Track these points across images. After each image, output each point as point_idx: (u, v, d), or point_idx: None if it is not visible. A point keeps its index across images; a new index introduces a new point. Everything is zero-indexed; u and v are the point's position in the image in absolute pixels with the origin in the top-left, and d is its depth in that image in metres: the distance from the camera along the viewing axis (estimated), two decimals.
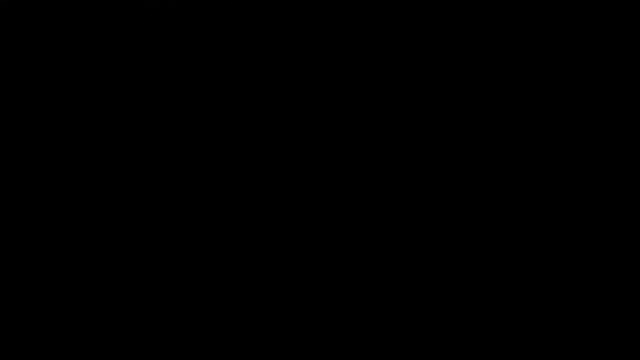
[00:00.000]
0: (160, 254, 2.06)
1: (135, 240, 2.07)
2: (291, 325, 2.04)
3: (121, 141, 2.09)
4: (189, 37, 2.11)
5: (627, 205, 2.04)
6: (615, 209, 2.04)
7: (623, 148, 2.05)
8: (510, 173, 2.06)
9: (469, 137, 2.07)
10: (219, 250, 2.06)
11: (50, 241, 2.06)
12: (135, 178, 2.08)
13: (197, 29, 2.11)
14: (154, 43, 2.10)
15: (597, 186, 2.05)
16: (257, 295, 2.05)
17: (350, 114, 2.09)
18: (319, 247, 2.06)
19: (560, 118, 2.07)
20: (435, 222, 2.06)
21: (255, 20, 2.11)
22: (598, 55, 2.08)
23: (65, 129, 2.09)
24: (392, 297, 2.04)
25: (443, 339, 2.02)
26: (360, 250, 2.06)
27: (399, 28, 2.10)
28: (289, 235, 2.06)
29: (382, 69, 2.10)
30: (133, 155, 2.08)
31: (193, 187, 2.08)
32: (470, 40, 2.09)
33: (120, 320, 2.04)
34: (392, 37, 2.10)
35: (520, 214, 2.05)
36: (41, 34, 2.11)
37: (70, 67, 2.10)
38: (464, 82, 2.09)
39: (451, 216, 2.06)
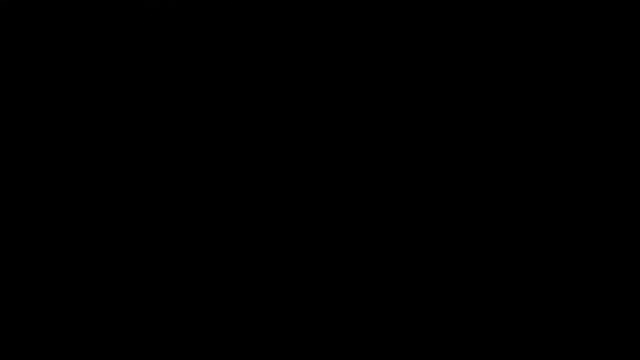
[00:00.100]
0: (160, 254, 2.06)
1: (135, 240, 2.07)
2: (291, 325, 2.04)
3: (121, 141, 2.09)
4: (189, 37, 2.11)
5: (627, 205, 2.04)
6: (615, 209, 2.04)
7: (623, 148, 2.05)
8: (510, 173, 2.06)
9: (469, 137, 2.07)
10: (219, 250, 2.06)
11: (50, 241, 2.06)
12: (135, 178, 2.08)
13: (197, 29, 2.11)
14: (154, 43, 2.10)
15: (597, 186, 2.05)
16: (257, 295, 2.05)
17: (350, 114, 2.09)
18: (319, 247, 2.06)
19: (560, 118, 2.07)
20: (435, 222, 2.06)
21: (255, 20, 2.11)
22: (598, 55, 2.08)
23: (66, 128, 2.09)
24: (392, 297, 2.04)
25: (443, 339, 2.02)
26: (360, 250, 2.06)
27: (399, 28, 2.10)
28: (289, 235, 2.06)
29: (382, 69, 2.10)
30: (133, 155, 2.08)
31: (193, 187, 2.08)
32: (470, 40, 2.09)
33: (120, 320, 2.04)
34: (392, 37, 2.10)
35: (520, 213, 2.05)
36: (41, 34, 2.11)
37: (70, 67, 2.10)
38: (464, 82, 2.09)
39: (451, 216, 2.06)
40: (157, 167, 2.08)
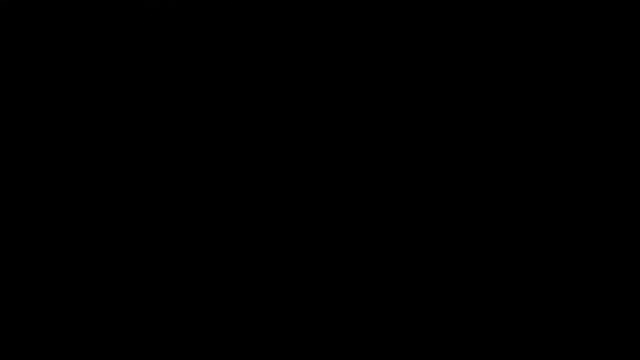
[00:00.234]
0: (160, 254, 2.06)
1: (135, 240, 2.07)
2: (291, 325, 2.04)
3: (121, 141, 2.09)
4: (189, 37, 2.11)
5: (627, 205, 2.04)
6: (615, 209, 2.04)
7: (623, 148, 2.05)
8: (510, 173, 2.06)
9: (469, 137, 2.07)
10: (219, 250, 2.06)
11: (50, 241, 2.06)
12: (135, 178, 2.08)
13: (197, 29, 2.11)
14: (154, 43, 2.10)
15: (597, 186, 2.05)
16: (257, 295, 2.05)
17: (350, 114, 2.09)
18: (318, 247, 2.06)
19: (560, 118, 2.07)
20: (435, 222, 2.06)
21: (255, 20, 2.11)
22: (598, 55, 2.08)
23: (66, 128, 2.09)
24: (392, 297, 2.04)
25: (443, 339, 2.02)
26: (360, 250, 2.06)
27: (399, 28, 2.10)
28: (289, 235, 2.06)
29: (382, 69, 2.10)
30: (133, 155, 2.08)
31: (193, 186, 2.08)
32: (470, 40, 2.09)
33: (120, 320, 2.04)
34: (392, 37, 2.10)
35: (520, 213, 2.05)
36: (41, 34, 2.11)
37: (70, 67, 2.10)
38: (464, 82, 2.09)
39: (451, 216, 2.06)
40: (157, 166, 2.08)
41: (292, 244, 2.06)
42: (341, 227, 2.06)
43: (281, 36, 2.11)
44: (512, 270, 2.03)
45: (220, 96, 2.10)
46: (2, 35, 2.10)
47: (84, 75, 2.10)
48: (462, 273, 2.04)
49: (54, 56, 2.10)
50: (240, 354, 2.03)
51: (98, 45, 2.11)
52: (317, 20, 2.10)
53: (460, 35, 2.09)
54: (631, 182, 2.04)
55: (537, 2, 2.08)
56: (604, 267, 2.02)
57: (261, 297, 2.05)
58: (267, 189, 2.08)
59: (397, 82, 2.09)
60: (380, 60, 2.10)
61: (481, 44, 2.09)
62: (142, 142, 2.09)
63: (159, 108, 2.10)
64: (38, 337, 2.03)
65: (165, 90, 2.10)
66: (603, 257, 2.03)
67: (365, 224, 2.06)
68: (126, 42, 2.10)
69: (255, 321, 2.04)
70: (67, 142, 2.09)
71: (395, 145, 2.08)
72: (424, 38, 2.09)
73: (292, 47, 2.10)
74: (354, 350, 2.02)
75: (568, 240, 2.03)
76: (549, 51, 2.08)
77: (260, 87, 2.10)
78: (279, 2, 2.11)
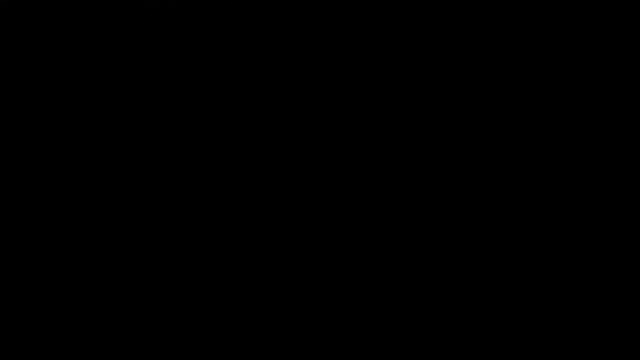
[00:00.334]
0: (160, 254, 2.06)
1: (135, 240, 2.07)
2: (291, 325, 2.04)
3: (121, 141, 2.09)
4: (189, 37, 2.11)
5: (627, 205, 2.04)
6: (615, 209, 2.04)
7: (623, 148, 2.05)
8: (510, 173, 2.06)
9: (469, 137, 2.07)
10: (219, 250, 2.06)
11: (50, 241, 2.06)
12: (135, 178, 2.08)
13: (197, 29, 2.11)
14: (154, 43, 2.11)
15: (597, 186, 2.05)
16: (257, 295, 2.05)
17: (350, 114, 2.09)
18: (318, 247, 2.06)
19: (560, 118, 2.07)
20: (435, 222, 2.06)
21: (255, 20, 2.11)
22: (598, 55, 2.08)
23: (66, 128, 2.09)
24: (392, 297, 2.04)
25: (443, 339, 2.02)
26: (360, 250, 2.06)
27: (399, 28, 2.10)
28: (289, 235, 2.06)
29: (382, 69, 2.10)
30: (133, 155, 2.08)
31: (193, 186, 2.08)
32: (470, 40, 2.09)
33: (120, 320, 2.04)
34: (392, 37, 2.10)
35: (520, 213, 2.05)
36: (41, 34, 2.11)
37: (70, 67, 2.10)
38: (464, 82, 2.09)
39: (451, 216, 2.06)
40: (157, 166, 2.08)
41: (292, 244, 2.06)
42: (341, 227, 2.06)
43: (281, 36, 2.11)
44: (512, 270, 2.03)
45: (220, 96, 2.10)
46: (2, 35, 2.10)
47: (84, 75, 2.10)
48: (462, 273, 2.04)
49: (54, 56, 2.10)
50: (240, 354, 2.03)
51: (98, 45, 2.11)
52: (317, 20, 2.10)
53: (461, 36, 2.09)
54: (631, 182, 2.04)
55: (537, 2, 2.08)
56: (604, 267, 2.02)
57: (261, 297, 2.05)
58: (267, 189, 2.08)
59: (397, 82, 2.09)
60: (380, 60, 2.10)
61: (481, 44, 2.09)
62: (142, 142, 2.09)
63: (159, 108, 2.10)
64: (38, 337, 2.03)
65: (165, 90, 2.10)
66: (603, 257, 2.03)
67: (365, 224, 2.06)
68: (126, 42, 2.10)
69: (255, 321, 2.04)
70: (68, 142, 2.09)
71: (395, 145, 2.08)
72: (424, 38, 2.10)
73: (292, 47, 2.10)
74: (354, 350, 2.02)
75: (568, 240, 2.03)
76: (549, 51, 2.08)
77: (260, 87, 2.10)
78: (279, 2, 2.11)
